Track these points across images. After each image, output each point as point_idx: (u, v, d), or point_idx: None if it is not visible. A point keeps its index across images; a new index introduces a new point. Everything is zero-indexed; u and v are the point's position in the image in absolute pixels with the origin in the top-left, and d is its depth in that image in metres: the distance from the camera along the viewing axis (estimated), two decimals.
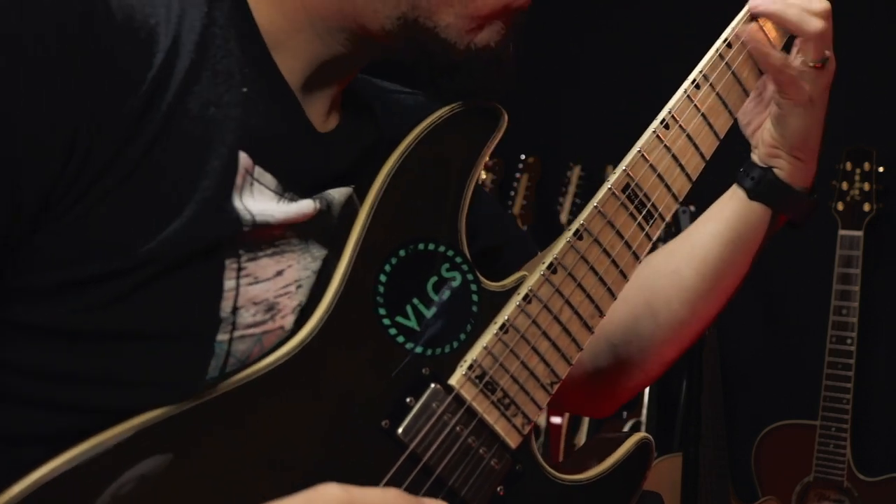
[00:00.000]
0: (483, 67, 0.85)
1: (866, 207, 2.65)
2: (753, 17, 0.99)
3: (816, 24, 0.97)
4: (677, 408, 2.87)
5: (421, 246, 0.83)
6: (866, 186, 2.66)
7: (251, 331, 0.78)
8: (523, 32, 0.87)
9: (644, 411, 2.84)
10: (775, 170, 1.05)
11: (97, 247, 0.70)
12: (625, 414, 2.88)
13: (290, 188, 0.81)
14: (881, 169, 2.68)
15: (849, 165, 2.69)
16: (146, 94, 0.72)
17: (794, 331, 2.93)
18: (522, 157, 3.27)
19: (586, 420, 2.92)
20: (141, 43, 0.72)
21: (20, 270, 0.70)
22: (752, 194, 1.05)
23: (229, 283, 0.76)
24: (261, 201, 0.78)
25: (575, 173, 3.18)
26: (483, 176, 3.22)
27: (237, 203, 0.76)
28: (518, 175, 3.26)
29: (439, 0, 0.81)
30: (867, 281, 2.63)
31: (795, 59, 1.00)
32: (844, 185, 2.68)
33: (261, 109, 0.79)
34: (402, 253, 0.82)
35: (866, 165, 2.67)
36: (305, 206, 0.82)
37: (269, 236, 0.79)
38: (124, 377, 0.73)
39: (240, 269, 0.77)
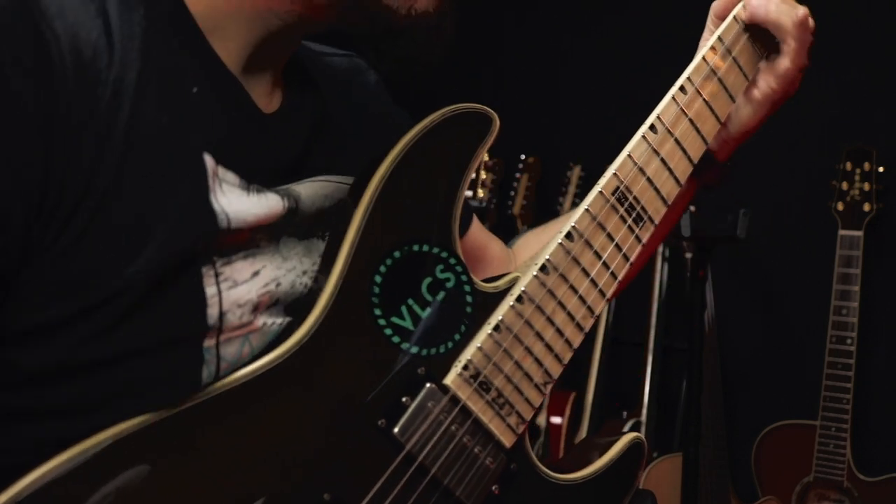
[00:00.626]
0: (424, 33, 0.86)
1: (866, 207, 2.65)
2: (745, 24, 1.01)
3: (808, 34, 1.02)
4: (677, 408, 2.87)
5: (415, 247, 0.84)
6: (866, 186, 2.66)
7: (237, 332, 0.79)
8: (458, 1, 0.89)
9: (644, 411, 2.84)
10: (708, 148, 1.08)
11: (83, 279, 0.70)
12: (625, 414, 2.88)
13: (253, 179, 0.82)
14: (881, 169, 2.68)
15: (849, 165, 2.69)
16: (105, 114, 0.71)
17: (794, 331, 2.93)
18: (522, 157, 3.27)
19: (586, 420, 2.92)
20: (88, 64, 0.71)
21: (7, 315, 0.69)
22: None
23: (210, 290, 0.77)
24: (232, 199, 0.79)
25: (575, 173, 3.18)
26: (483, 176, 3.22)
27: (215, 206, 0.77)
28: (518, 175, 3.26)
29: None
30: (867, 281, 2.63)
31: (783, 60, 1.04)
32: (844, 185, 2.68)
33: (213, 107, 0.79)
34: (396, 254, 0.83)
35: (866, 165, 2.67)
36: (274, 203, 0.83)
37: (240, 240, 0.80)
38: (120, 400, 0.72)
39: (217, 274, 0.77)
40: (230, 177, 0.79)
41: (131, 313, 0.72)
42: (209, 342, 0.76)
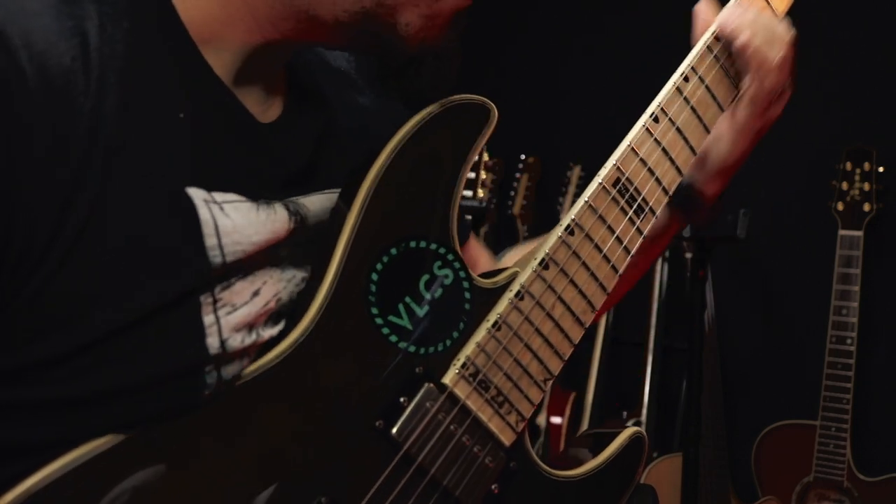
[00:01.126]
0: (431, 65, 0.83)
1: (866, 207, 2.65)
2: (718, 39, 0.98)
3: (778, 54, 0.96)
4: (677, 408, 2.87)
5: (412, 244, 0.82)
6: (866, 186, 2.66)
7: (240, 353, 0.77)
8: (463, 31, 0.86)
9: (644, 411, 2.84)
10: (694, 184, 1.04)
11: (66, 318, 0.68)
12: (625, 414, 2.88)
13: (260, 194, 0.79)
14: (881, 169, 2.68)
15: (849, 165, 2.69)
16: (81, 147, 0.67)
17: (794, 331, 2.93)
18: (522, 157, 3.27)
19: (586, 420, 2.92)
20: (60, 93, 0.66)
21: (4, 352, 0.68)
22: (672, 204, 1.03)
23: (208, 319, 0.74)
24: (238, 220, 0.76)
25: (575, 173, 3.18)
26: (483, 176, 3.22)
27: (207, 242, 0.74)
28: (518, 175, 3.26)
29: None
30: (867, 281, 2.63)
31: (758, 85, 0.99)
32: (844, 185, 2.68)
33: (202, 130, 0.76)
34: (393, 251, 0.81)
35: (866, 165, 2.67)
36: (280, 225, 0.80)
37: (242, 266, 0.77)
38: (123, 430, 0.71)
39: (215, 301, 0.75)
40: (231, 197, 0.77)
41: (125, 350, 0.70)
42: (210, 367, 0.74)
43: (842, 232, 2.65)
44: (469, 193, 2.68)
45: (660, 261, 2.96)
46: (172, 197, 0.73)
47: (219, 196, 0.75)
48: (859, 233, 2.63)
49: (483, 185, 3.23)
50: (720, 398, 2.69)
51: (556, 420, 2.96)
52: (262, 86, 0.84)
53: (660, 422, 2.87)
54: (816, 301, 2.71)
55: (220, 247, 0.75)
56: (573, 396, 3.00)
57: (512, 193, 3.25)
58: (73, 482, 0.67)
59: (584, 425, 2.92)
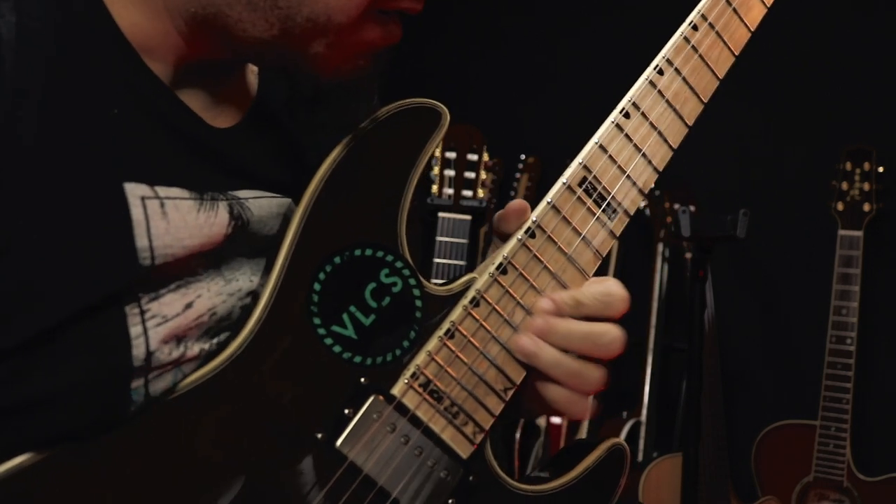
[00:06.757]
0: (343, 97, 0.81)
1: (866, 207, 2.65)
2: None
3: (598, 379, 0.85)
4: (677, 408, 2.88)
5: (357, 252, 0.81)
6: (866, 186, 2.66)
7: (168, 367, 0.75)
8: (389, 66, 0.83)
9: (644, 411, 2.84)
10: None
11: None
12: (625, 414, 2.88)
13: (207, 188, 0.78)
14: (881, 169, 2.69)
15: (849, 165, 2.70)
16: (4, 127, 0.66)
17: (794, 331, 2.93)
18: (522, 157, 3.27)
19: (586, 420, 2.92)
20: None
21: None
22: None
23: (135, 330, 0.72)
24: (173, 220, 0.75)
25: None
26: (483, 176, 3.22)
27: (137, 242, 0.72)
28: (518, 175, 3.26)
29: (313, 31, 0.76)
30: (867, 281, 2.64)
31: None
32: (844, 185, 2.68)
33: (141, 125, 0.75)
34: (337, 260, 0.80)
35: (866, 165, 2.68)
36: (218, 227, 0.79)
37: (172, 271, 0.76)
38: (44, 444, 0.69)
39: (142, 312, 0.73)
40: (175, 192, 0.75)
41: (50, 357, 0.68)
42: (137, 383, 0.72)
43: (842, 232, 2.65)
44: (469, 193, 2.68)
45: (660, 261, 2.96)
46: (106, 193, 0.71)
47: (162, 191, 0.74)
48: (859, 233, 2.63)
49: (483, 185, 3.23)
50: (720, 398, 2.69)
51: (555, 420, 2.96)
52: (208, 94, 0.82)
53: (660, 422, 2.88)
54: (816, 301, 2.71)
55: (151, 249, 0.73)
56: None
57: (512, 193, 3.25)
58: None
59: (584, 425, 2.92)
